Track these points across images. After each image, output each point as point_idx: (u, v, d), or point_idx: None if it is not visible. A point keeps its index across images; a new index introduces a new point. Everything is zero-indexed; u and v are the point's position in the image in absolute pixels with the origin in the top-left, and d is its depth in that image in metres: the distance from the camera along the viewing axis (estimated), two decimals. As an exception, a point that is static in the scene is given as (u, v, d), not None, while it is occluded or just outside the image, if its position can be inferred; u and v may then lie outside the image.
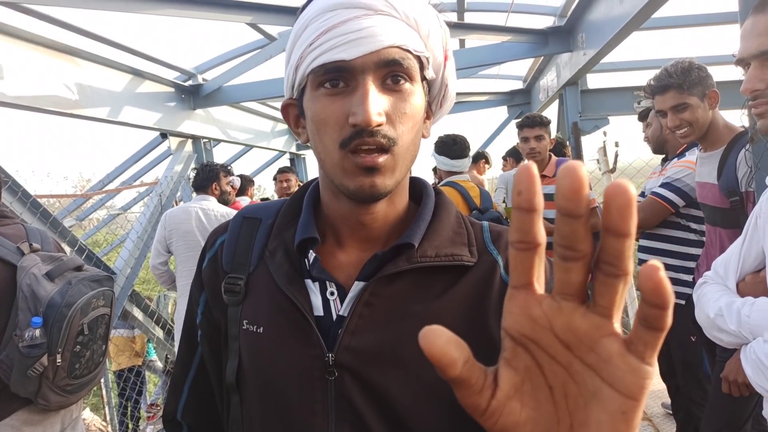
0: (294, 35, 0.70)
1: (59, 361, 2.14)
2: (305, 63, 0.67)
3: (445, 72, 0.75)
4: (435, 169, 5.76)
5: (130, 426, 6.01)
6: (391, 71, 0.66)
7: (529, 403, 0.38)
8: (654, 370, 0.35)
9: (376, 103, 0.64)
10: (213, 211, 3.74)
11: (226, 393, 0.81)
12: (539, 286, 0.38)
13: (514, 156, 5.83)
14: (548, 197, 3.28)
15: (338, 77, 0.66)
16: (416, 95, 0.69)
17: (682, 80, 2.20)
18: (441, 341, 0.36)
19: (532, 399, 0.38)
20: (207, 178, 3.84)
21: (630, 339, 0.35)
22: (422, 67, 0.70)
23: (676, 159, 2.87)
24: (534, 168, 0.35)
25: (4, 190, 2.19)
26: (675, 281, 2.82)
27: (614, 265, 0.33)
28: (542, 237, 0.36)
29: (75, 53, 3.74)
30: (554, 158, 3.45)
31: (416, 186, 0.82)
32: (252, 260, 0.79)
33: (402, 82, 0.67)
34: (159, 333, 4.62)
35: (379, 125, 0.64)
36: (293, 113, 0.78)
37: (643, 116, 3.23)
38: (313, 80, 0.68)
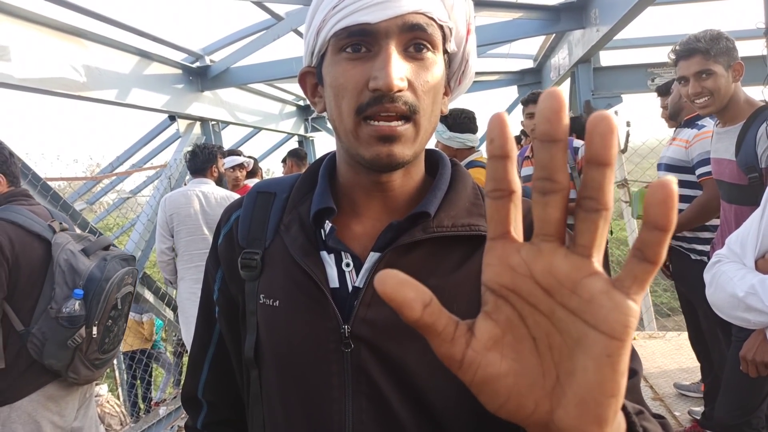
0: (317, 0, 0.69)
1: (95, 333, 2.25)
2: (328, 26, 0.67)
3: (467, 46, 0.74)
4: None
5: (143, 407, 6.10)
6: (414, 37, 0.65)
7: (510, 354, 0.37)
8: (639, 311, 0.34)
9: (399, 68, 0.63)
10: (213, 194, 3.69)
11: (245, 368, 0.81)
12: (517, 235, 0.37)
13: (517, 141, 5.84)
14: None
15: (361, 41, 0.65)
16: (438, 65, 0.68)
17: (710, 46, 2.15)
18: (393, 281, 0.36)
19: (513, 351, 0.37)
20: (206, 160, 3.75)
21: (618, 276, 0.34)
22: (445, 39, 0.69)
23: (691, 129, 2.81)
24: (505, 115, 0.35)
25: None
26: (697, 240, 2.80)
27: (595, 198, 0.32)
28: (517, 184, 0.35)
29: (82, 35, 3.72)
30: (569, 138, 3.41)
31: (432, 158, 0.81)
32: (267, 234, 0.78)
33: (425, 50, 0.66)
34: (170, 315, 4.65)
35: (401, 90, 0.63)
36: (311, 82, 0.77)
37: (662, 91, 3.16)
38: (335, 44, 0.67)
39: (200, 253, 3.67)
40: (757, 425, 2.18)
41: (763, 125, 2.03)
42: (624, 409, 0.42)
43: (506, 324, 0.37)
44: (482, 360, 0.37)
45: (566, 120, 0.33)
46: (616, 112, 5.16)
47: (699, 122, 2.83)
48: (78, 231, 3.10)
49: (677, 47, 2.29)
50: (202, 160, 3.74)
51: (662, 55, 6.08)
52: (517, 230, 0.37)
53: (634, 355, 0.64)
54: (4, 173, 2.19)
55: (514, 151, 0.35)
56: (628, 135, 5.05)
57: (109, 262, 2.35)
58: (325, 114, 0.74)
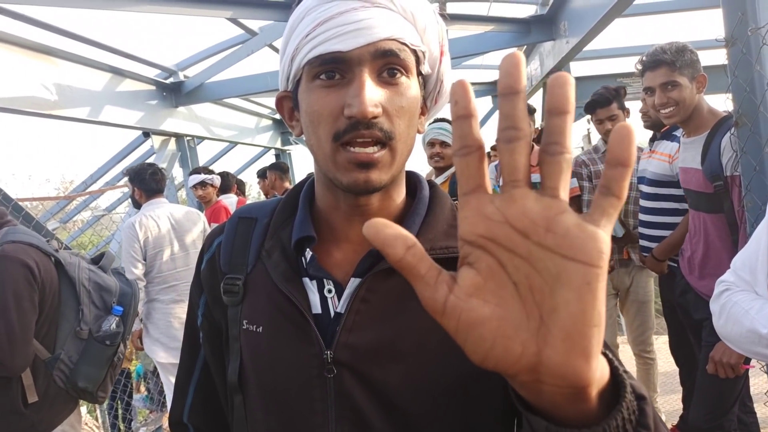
0: (290, 26, 0.70)
1: (123, 348, 2.23)
2: (301, 54, 0.67)
3: (441, 67, 0.75)
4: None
5: (122, 427, 5.97)
6: (387, 63, 0.65)
7: (492, 299, 0.38)
8: (609, 240, 0.37)
9: (373, 95, 0.63)
10: (178, 212, 3.73)
11: (230, 393, 0.81)
12: (488, 187, 0.39)
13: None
14: (533, 186, 3.28)
15: (334, 69, 0.65)
16: (412, 89, 0.68)
17: (676, 58, 2.21)
18: (378, 224, 0.39)
19: (496, 296, 0.38)
20: (162, 180, 3.72)
21: (588, 212, 0.37)
22: (418, 62, 0.70)
23: (671, 143, 2.87)
24: (466, 81, 0.37)
25: None
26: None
27: (558, 142, 0.36)
28: (482, 140, 0.38)
29: (53, 53, 3.68)
30: (537, 147, 3.44)
31: (411, 180, 0.82)
32: (249, 260, 0.78)
33: (398, 75, 0.66)
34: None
35: (375, 117, 0.64)
36: (287, 106, 0.77)
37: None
38: (309, 72, 0.67)
39: (174, 273, 3.63)
40: (729, 428, 2.23)
41: (726, 135, 2.09)
42: (606, 355, 0.44)
43: (487, 271, 0.39)
44: (465, 305, 0.38)
45: (524, 75, 0.36)
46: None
47: (676, 134, 2.88)
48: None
49: (644, 58, 2.35)
50: (158, 180, 3.66)
51: (631, 65, 6.22)
52: (487, 183, 0.39)
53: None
54: None
55: (477, 111, 0.38)
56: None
57: (123, 277, 2.35)
58: (302, 138, 0.74)
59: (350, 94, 0.64)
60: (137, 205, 3.72)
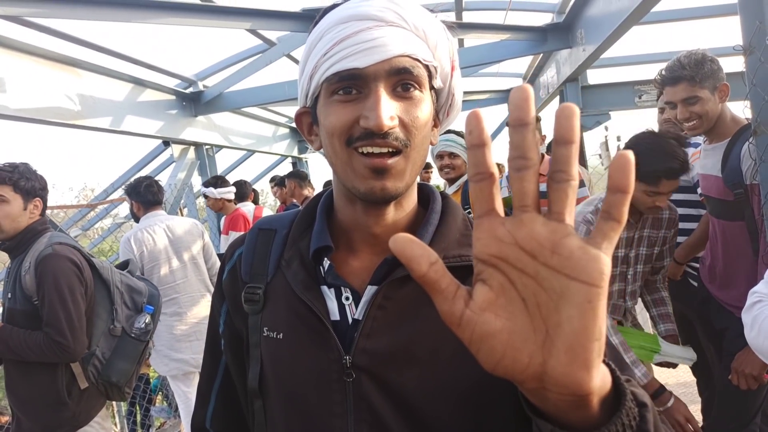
0: (309, 46, 0.73)
1: (150, 347, 2.47)
2: (320, 72, 0.70)
3: (452, 82, 0.78)
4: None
5: (140, 433, 6.02)
6: (401, 79, 0.68)
7: (503, 314, 0.42)
8: (610, 263, 0.40)
9: (388, 108, 0.66)
10: (177, 224, 3.76)
11: (250, 399, 0.83)
12: (500, 211, 0.42)
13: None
14: (541, 195, 3.26)
15: (351, 85, 0.69)
16: (425, 103, 0.71)
17: (695, 72, 2.18)
18: (403, 239, 0.41)
19: (506, 311, 0.42)
20: (159, 192, 3.79)
21: (590, 236, 0.40)
22: (431, 77, 0.73)
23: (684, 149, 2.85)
24: (479, 111, 0.41)
25: None
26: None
27: (564, 171, 0.39)
28: (495, 168, 0.41)
29: (76, 64, 3.76)
30: (547, 157, 3.43)
31: (423, 192, 0.84)
32: (269, 270, 0.82)
33: (412, 89, 0.69)
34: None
35: (392, 128, 0.67)
36: (306, 121, 0.81)
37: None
38: (327, 88, 0.71)
39: (174, 285, 3.65)
40: (751, 438, 2.20)
41: (746, 143, 2.07)
42: (609, 366, 0.47)
43: (498, 288, 0.42)
44: (479, 319, 0.42)
45: (533, 107, 0.40)
46: (606, 128, 5.24)
47: (690, 140, 2.86)
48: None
49: (663, 73, 2.32)
50: (155, 192, 3.71)
51: (648, 72, 6.17)
52: (499, 207, 0.42)
53: (625, 365, 0.67)
54: (43, 200, 2.25)
55: (490, 140, 0.41)
56: (619, 150, 5.10)
57: (148, 281, 2.56)
58: (321, 150, 0.77)
59: (367, 107, 0.67)
60: (136, 219, 3.76)
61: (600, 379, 0.42)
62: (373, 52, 0.66)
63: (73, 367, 2.14)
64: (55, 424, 2.12)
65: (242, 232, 0.93)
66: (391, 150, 0.68)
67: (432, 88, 0.74)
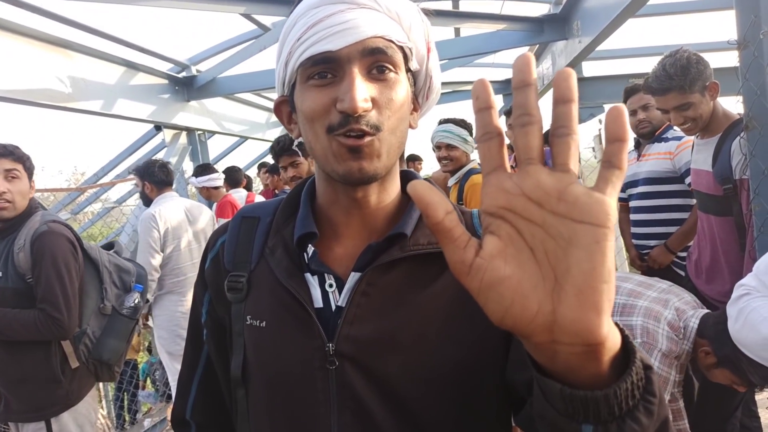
0: (284, 33, 0.73)
1: (138, 327, 2.51)
2: (294, 58, 0.70)
3: (429, 64, 0.77)
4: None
5: (127, 418, 6.04)
6: (375, 60, 0.68)
7: (512, 262, 0.43)
8: (614, 206, 0.41)
9: (362, 90, 0.66)
10: (191, 205, 3.84)
11: (234, 388, 0.83)
12: (507, 167, 0.44)
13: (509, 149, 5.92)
14: None
15: (326, 69, 0.68)
16: (401, 84, 0.71)
17: (683, 81, 2.17)
18: (423, 186, 0.43)
19: (515, 259, 0.43)
20: (170, 173, 3.84)
21: (594, 183, 0.41)
22: (406, 59, 0.72)
23: (666, 143, 2.87)
24: (485, 79, 0.43)
25: None
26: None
27: (565, 125, 0.41)
28: (501, 128, 0.43)
29: (68, 46, 3.72)
30: (546, 149, 3.43)
31: (408, 178, 0.84)
32: (253, 258, 0.81)
33: (387, 71, 0.69)
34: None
35: (366, 110, 0.66)
36: (285, 110, 0.80)
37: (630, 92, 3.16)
38: (302, 74, 0.70)
39: (189, 264, 3.68)
40: (732, 431, 2.23)
41: (737, 139, 2.09)
42: (617, 325, 0.47)
43: (507, 238, 0.43)
44: (488, 265, 0.42)
45: (534, 71, 0.42)
46: (600, 121, 5.25)
47: (667, 135, 2.89)
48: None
49: (650, 82, 2.30)
50: (167, 173, 3.76)
51: (643, 65, 6.18)
52: (506, 163, 0.44)
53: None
54: (33, 180, 2.27)
55: (495, 102, 0.43)
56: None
57: (135, 261, 2.60)
58: (301, 139, 0.77)
59: (342, 90, 0.67)
60: (147, 201, 3.76)
61: (609, 330, 0.42)
62: (346, 34, 0.66)
63: (64, 346, 2.15)
64: (48, 403, 2.13)
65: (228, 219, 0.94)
66: (364, 133, 0.67)
67: (408, 70, 0.74)
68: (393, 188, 0.79)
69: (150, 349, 6.16)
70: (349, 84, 0.66)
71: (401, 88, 0.71)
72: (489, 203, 0.44)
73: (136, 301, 2.38)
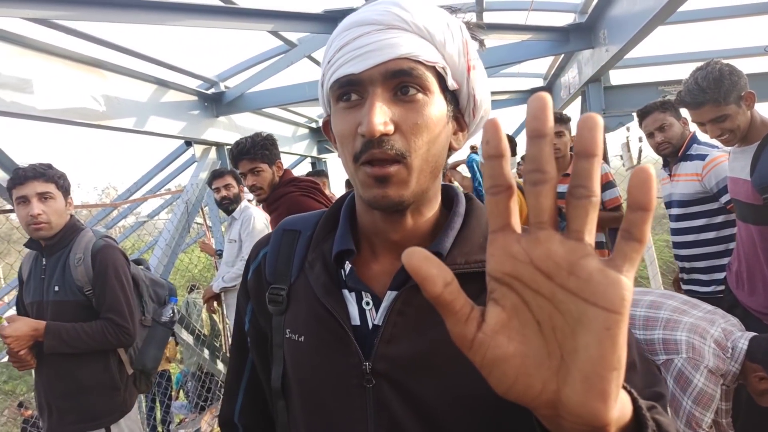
0: (323, 56, 0.74)
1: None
2: (326, 80, 0.71)
3: (471, 81, 0.74)
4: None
5: (161, 429, 6.10)
6: (400, 82, 0.67)
7: (516, 337, 0.40)
8: (632, 286, 0.37)
9: (380, 114, 0.65)
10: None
11: (274, 398, 0.84)
12: (516, 227, 0.40)
13: None
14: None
15: (351, 91, 0.69)
16: (432, 106, 0.69)
17: (717, 94, 2.11)
18: (419, 256, 0.40)
19: (519, 334, 0.40)
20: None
21: (610, 257, 0.37)
22: (441, 78, 0.70)
23: (692, 162, 2.81)
24: (498, 120, 0.39)
25: None
26: (713, 269, 2.78)
27: (584, 186, 0.36)
28: (512, 180, 0.39)
29: (101, 65, 3.82)
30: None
31: (448, 194, 0.83)
32: (293, 271, 0.82)
33: (413, 92, 0.67)
34: (189, 338, 4.68)
35: (385, 135, 0.65)
36: (332, 132, 0.80)
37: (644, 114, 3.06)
38: (333, 96, 0.72)
39: None
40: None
41: (776, 146, 2.03)
42: (630, 394, 0.45)
43: (512, 309, 0.41)
44: (491, 342, 0.40)
45: (551, 118, 0.37)
46: (627, 128, 5.16)
47: (691, 152, 2.83)
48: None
49: (683, 96, 2.26)
50: None
51: (673, 73, 6.07)
52: (516, 223, 0.40)
53: (659, 379, 0.66)
54: (71, 197, 2.35)
55: (508, 151, 0.39)
56: (640, 151, 5.03)
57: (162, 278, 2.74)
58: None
59: (362, 114, 0.66)
60: (234, 202, 3.84)
61: (619, 409, 0.40)
62: (367, 56, 0.66)
63: (120, 354, 2.26)
64: (108, 410, 2.20)
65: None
66: (388, 159, 0.66)
67: (446, 90, 0.72)
68: (429, 210, 0.77)
69: (182, 360, 6.22)
70: (368, 107, 0.65)
71: (432, 110, 0.69)
72: (494, 267, 0.41)
73: (170, 314, 2.50)
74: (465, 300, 0.41)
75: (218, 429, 4.65)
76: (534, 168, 0.38)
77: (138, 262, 2.66)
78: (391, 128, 0.65)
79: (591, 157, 0.36)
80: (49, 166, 2.24)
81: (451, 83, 0.72)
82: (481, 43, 0.78)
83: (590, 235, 0.38)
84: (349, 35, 0.68)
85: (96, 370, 2.19)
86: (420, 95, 0.68)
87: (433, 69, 0.69)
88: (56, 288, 2.18)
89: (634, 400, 0.44)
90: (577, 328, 0.38)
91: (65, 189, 2.27)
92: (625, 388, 0.43)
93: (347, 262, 0.77)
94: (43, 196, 2.16)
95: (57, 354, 2.15)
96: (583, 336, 0.37)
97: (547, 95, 0.38)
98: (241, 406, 0.93)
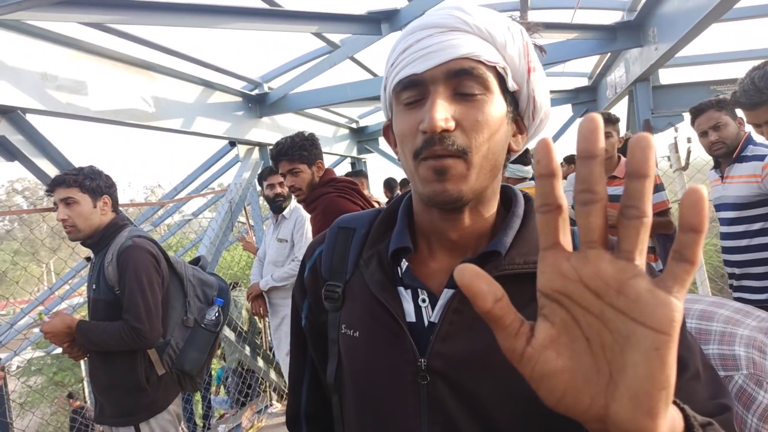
0: (387, 60, 0.76)
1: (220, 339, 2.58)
2: (389, 81, 0.74)
3: (531, 83, 0.75)
4: None
5: (200, 423, 6.25)
6: (461, 81, 0.68)
7: (565, 353, 0.41)
8: (682, 307, 0.36)
9: (442, 110, 0.66)
10: None
11: (329, 393, 0.86)
12: (566, 245, 0.41)
13: (571, 162, 5.83)
14: (618, 198, 3.15)
15: (413, 90, 0.70)
16: (493, 105, 0.69)
17: None
18: (470, 273, 0.40)
19: (569, 350, 0.41)
20: None
21: (661, 277, 0.37)
22: (501, 79, 0.71)
23: (748, 163, 2.70)
24: (549, 139, 0.39)
25: None
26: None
27: (636, 206, 0.37)
28: (563, 200, 0.40)
29: (151, 67, 3.94)
30: (624, 159, 3.30)
31: (506, 194, 0.82)
32: (348, 268, 0.83)
33: (474, 91, 0.68)
34: (231, 335, 4.78)
35: (446, 131, 0.66)
36: (391, 135, 0.82)
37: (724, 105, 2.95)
38: (396, 97, 0.74)
39: None
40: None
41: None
42: (683, 411, 0.45)
43: (561, 325, 0.41)
44: (540, 357, 0.41)
45: (602, 139, 0.37)
46: (676, 129, 5.01)
47: (746, 153, 2.72)
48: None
49: (738, 97, 2.17)
50: None
51: (725, 71, 5.86)
52: (566, 240, 0.41)
53: (725, 390, 0.64)
54: (111, 197, 2.38)
55: (559, 170, 0.39)
56: (689, 152, 4.86)
57: (218, 276, 2.69)
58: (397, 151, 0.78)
59: (424, 111, 0.68)
60: (285, 200, 3.68)
61: (669, 426, 0.40)
62: (430, 57, 0.67)
63: (150, 355, 2.26)
64: (135, 409, 2.24)
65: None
66: (449, 155, 0.67)
67: (506, 91, 0.72)
68: (487, 210, 0.77)
69: (224, 357, 6.37)
70: (430, 104, 0.67)
71: (492, 109, 0.69)
72: (544, 284, 0.42)
73: (216, 315, 2.46)
74: (515, 315, 0.42)
75: (258, 425, 4.74)
76: (584, 188, 0.38)
77: (195, 261, 2.72)
78: (452, 124, 0.66)
79: (643, 177, 0.36)
80: (76, 171, 2.30)
81: (512, 84, 0.72)
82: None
83: (641, 256, 0.38)
84: (413, 38, 0.70)
85: (122, 369, 2.23)
86: (480, 95, 0.69)
87: (494, 69, 0.70)
88: (94, 286, 2.28)
89: (686, 418, 0.44)
90: (625, 347, 0.38)
91: (92, 190, 2.29)
92: (678, 404, 0.44)
93: (404, 259, 0.77)
94: (67, 202, 2.23)
95: (92, 351, 2.26)
96: (632, 355, 0.38)
97: (598, 117, 0.38)
98: (306, 401, 0.95)
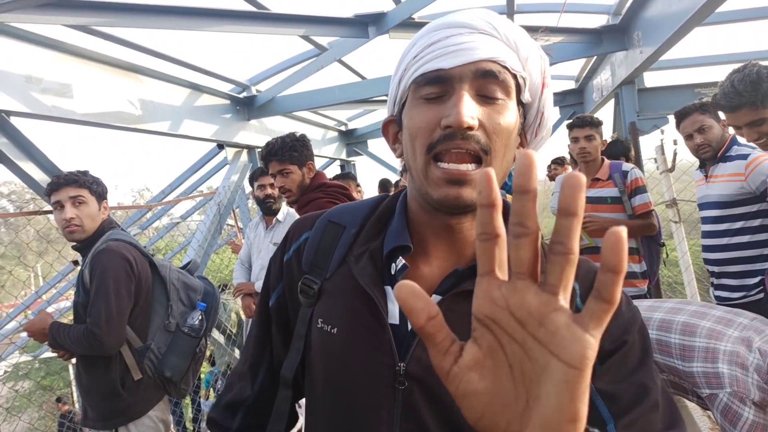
0: (402, 54, 0.75)
1: (204, 344, 2.48)
2: (408, 74, 0.72)
3: (542, 99, 0.76)
4: None
5: (190, 427, 6.20)
6: (487, 83, 0.68)
7: (488, 376, 0.42)
8: (596, 344, 0.38)
9: (470, 107, 0.66)
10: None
11: (280, 386, 0.83)
12: (501, 273, 0.42)
13: (558, 163, 5.88)
14: (601, 200, 3.17)
15: (437, 86, 0.69)
16: (510, 111, 0.70)
17: (754, 97, 2.05)
18: (407, 290, 0.42)
19: (492, 373, 0.42)
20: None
21: (579, 314, 0.38)
22: (519, 89, 0.72)
23: (731, 162, 2.74)
24: (491, 171, 0.40)
25: None
26: (747, 274, 2.71)
27: (563, 243, 0.38)
28: (501, 229, 0.40)
29: (138, 70, 3.92)
30: (607, 161, 3.32)
31: (505, 207, 0.82)
32: (330, 266, 0.81)
33: (497, 95, 0.69)
34: (220, 338, 4.76)
35: (471, 128, 0.66)
36: (393, 130, 0.81)
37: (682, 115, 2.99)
38: (415, 90, 0.72)
39: None
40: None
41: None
42: None
43: (488, 349, 0.43)
44: (464, 376, 0.43)
45: (536, 176, 0.39)
46: (662, 131, 5.06)
47: (731, 153, 2.76)
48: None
49: (719, 99, 2.20)
50: None
51: (709, 74, 5.93)
52: (501, 268, 0.42)
53: (679, 422, 0.66)
54: (107, 202, 2.40)
55: (499, 201, 0.40)
56: (675, 154, 4.92)
57: (207, 280, 2.63)
58: (401, 153, 0.78)
59: (449, 106, 0.68)
60: (275, 201, 3.64)
61: None
62: (459, 54, 0.67)
63: (126, 359, 2.22)
64: (110, 414, 2.22)
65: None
66: (471, 152, 0.67)
67: (520, 102, 0.73)
68: None
69: (213, 361, 6.33)
70: (457, 99, 0.66)
71: (510, 115, 0.70)
72: (477, 308, 0.43)
73: (199, 320, 2.40)
74: (446, 334, 0.43)
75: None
76: (517, 222, 0.39)
77: (184, 267, 2.68)
78: (476, 123, 0.67)
79: (572, 216, 0.37)
80: (84, 173, 2.31)
81: (527, 96, 0.73)
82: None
83: (565, 291, 0.39)
84: (441, 34, 0.70)
85: (96, 373, 2.21)
86: (502, 99, 0.69)
87: (515, 78, 0.71)
88: (78, 289, 2.28)
89: None
90: (541, 377, 0.39)
91: (98, 194, 2.33)
92: None
93: (400, 257, 0.75)
94: (76, 200, 2.23)
95: (80, 355, 2.24)
96: (546, 385, 0.39)
97: (534, 154, 0.39)
98: (261, 386, 0.89)
